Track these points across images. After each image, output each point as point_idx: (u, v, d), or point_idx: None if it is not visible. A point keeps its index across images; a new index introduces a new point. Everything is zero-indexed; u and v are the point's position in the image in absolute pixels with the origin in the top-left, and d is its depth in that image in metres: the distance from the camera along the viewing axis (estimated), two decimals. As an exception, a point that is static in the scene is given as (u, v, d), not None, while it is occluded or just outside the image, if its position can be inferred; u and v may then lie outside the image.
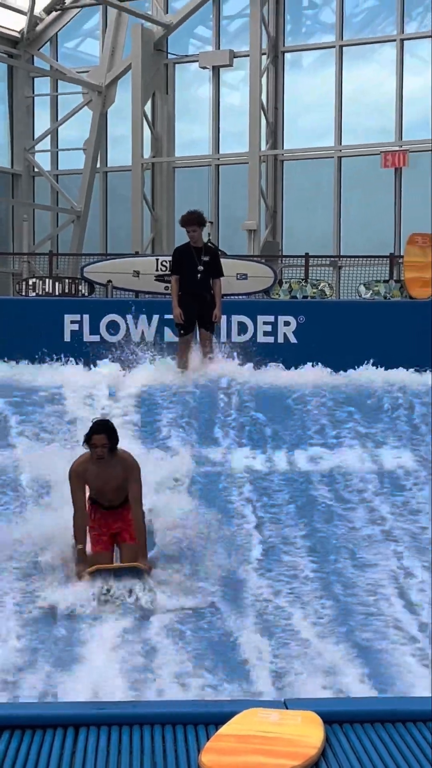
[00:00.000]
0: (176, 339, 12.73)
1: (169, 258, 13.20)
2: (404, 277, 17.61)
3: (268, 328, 14.07)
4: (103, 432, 7.75)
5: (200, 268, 12.19)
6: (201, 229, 12.32)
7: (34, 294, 17.83)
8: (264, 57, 23.12)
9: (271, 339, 13.99)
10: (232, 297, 15.50)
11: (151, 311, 14.00)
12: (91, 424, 7.92)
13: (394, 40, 22.53)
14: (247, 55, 22.89)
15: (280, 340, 13.99)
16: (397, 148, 22.00)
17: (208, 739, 4.44)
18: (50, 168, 25.99)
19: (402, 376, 12.46)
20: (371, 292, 17.64)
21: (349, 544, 8.65)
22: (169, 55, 24.58)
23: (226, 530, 8.67)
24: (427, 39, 22.25)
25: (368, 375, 12.53)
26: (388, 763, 4.30)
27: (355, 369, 12.73)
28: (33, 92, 26.22)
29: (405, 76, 22.38)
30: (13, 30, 25.17)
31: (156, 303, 14.53)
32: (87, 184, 24.93)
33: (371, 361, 12.87)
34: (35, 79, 26.26)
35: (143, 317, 13.98)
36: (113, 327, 13.95)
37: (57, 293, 17.77)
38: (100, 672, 6.51)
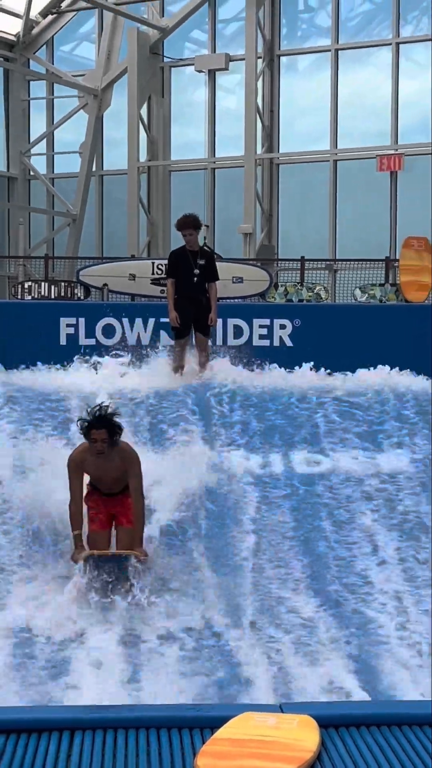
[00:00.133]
0: (172, 342, 12.73)
1: (165, 261, 13.20)
2: (400, 280, 17.60)
3: (264, 331, 14.08)
4: (103, 427, 7.65)
5: (196, 271, 12.19)
6: (197, 233, 12.32)
7: (29, 297, 17.81)
8: (260, 60, 23.14)
9: (266, 342, 14.00)
10: (228, 300, 15.51)
11: (147, 315, 14.01)
12: (89, 416, 7.75)
13: (390, 44, 22.55)
14: (243, 59, 22.91)
15: (276, 343, 14.01)
16: (392, 152, 22.02)
17: (203, 742, 4.43)
18: (46, 171, 25.99)
19: (398, 379, 12.47)
20: (367, 295, 17.63)
21: (345, 546, 8.65)
22: (164, 58, 24.60)
23: (223, 532, 8.67)
24: (423, 43, 22.28)
25: (364, 378, 12.53)
26: (383, 766, 4.30)
27: (350, 372, 12.73)
28: (29, 95, 26.23)
29: (401, 80, 22.40)
30: (9, 33, 25.18)
31: (152, 306, 14.54)
32: (83, 188, 24.93)
33: (367, 364, 12.88)
34: (31, 82, 26.26)
35: (139, 320, 13.98)
36: (109, 330, 13.96)
37: (53, 296, 17.74)
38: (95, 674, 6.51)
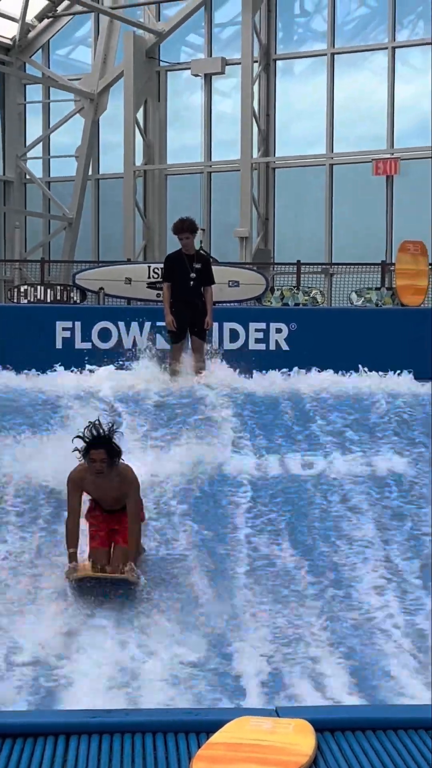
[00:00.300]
0: (168, 346, 12.74)
1: (161, 265, 13.20)
2: (396, 284, 17.60)
3: (260, 335, 14.09)
4: (102, 447, 7.62)
5: (192, 275, 12.20)
6: (193, 237, 12.32)
7: (25, 301, 17.80)
8: (256, 65, 23.16)
9: (262, 346, 14.01)
10: (224, 304, 15.51)
11: (143, 318, 14.01)
12: (89, 435, 7.72)
13: (386, 48, 22.58)
14: (239, 63, 22.92)
15: (272, 347, 14.01)
16: (388, 156, 22.05)
17: (199, 746, 4.43)
18: (42, 175, 26.00)
19: (394, 382, 12.48)
20: (363, 299, 17.63)
21: (341, 549, 8.65)
22: (161, 62, 24.62)
23: (220, 535, 8.67)
24: (419, 47, 22.32)
25: (360, 382, 12.54)
26: (379, 770, 4.31)
27: (347, 376, 12.73)
28: (25, 99, 26.24)
29: (396, 84, 22.43)
30: (4, 37, 25.19)
31: (148, 310, 14.54)
32: (79, 192, 24.94)
33: (363, 368, 12.88)
34: (27, 86, 26.27)
35: (135, 324, 13.98)
36: (105, 334, 13.96)
37: (49, 300, 17.73)
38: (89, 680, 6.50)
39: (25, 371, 12.68)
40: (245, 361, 12.66)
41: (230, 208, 23.27)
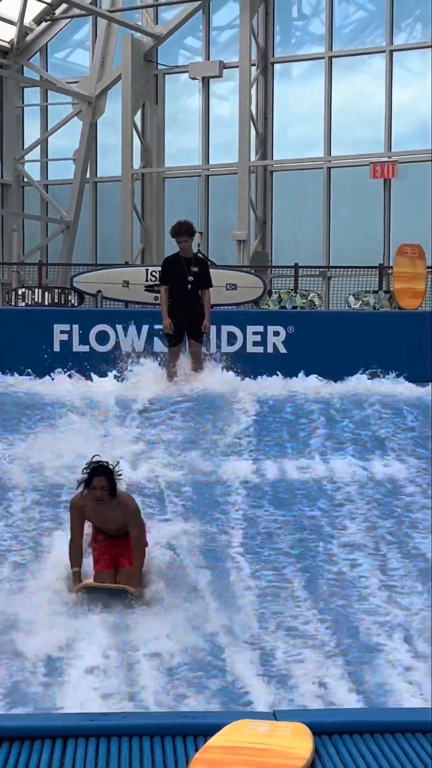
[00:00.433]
0: (166, 349, 12.74)
1: (159, 268, 13.21)
2: (393, 287, 17.62)
3: (258, 338, 14.10)
4: (102, 474, 7.75)
5: (190, 278, 12.22)
6: (191, 240, 12.34)
7: (23, 304, 17.81)
8: (253, 68, 23.17)
9: (260, 349, 14.02)
10: (222, 307, 15.52)
11: (140, 321, 14.02)
12: (89, 467, 7.86)
13: (384, 52, 22.59)
14: (237, 66, 22.94)
15: (270, 350, 14.02)
16: (386, 159, 22.06)
17: (196, 750, 4.42)
18: (40, 178, 26.00)
19: (391, 386, 12.50)
20: (360, 302, 17.65)
21: (340, 551, 8.65)
22: (158, 65, 24.62)
23: (218, 538, 8.67)
24: (417, 50, 22.34)
25: (358, 385, 12.55)
26: (377, 774, 4.30)
27: (344, 379, 12.75)
28: (23, 102, 26.24)
29: (394, 88, 22.44)
30: (2, 40, 25.20)
31: (146, 313, 14.55)
32: (77, 194, 24.94)
33: (361, 371, 12.90)
34: (25, 89, 26.27)
35: (133, 327, 13.99)
36: (103, 337, 13.97)
37: (46, 303, 17.74)
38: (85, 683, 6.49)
39: (23, 373, 12.71)
40: (242, 364, 12.68)
41: (228, 211, 23.28)
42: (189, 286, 12.22)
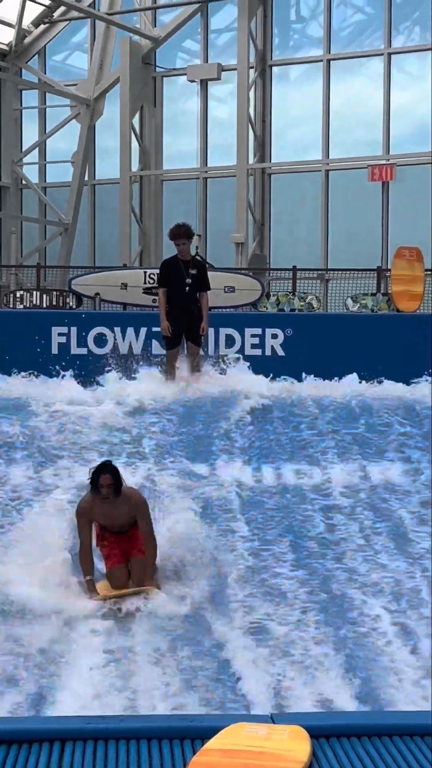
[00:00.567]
0: (164, 352, 12.74)
1: (157, 271, 13.21)
2: (391, 290, 17.62)
3: (256, 340, 14.10)
4: (108, 472, 7.84)
5: (188, 281, 12.21)
6: (189, 242, 12.34)
7: (21, 306, 17.80)
8: (252, 70, 23.17)
9: (258, 351, 14.02)
10: (220, 310, 15.52)
11: (138, 324, 14.02)
12: (95, 466, 7.99)
13: (382, 54, 22.59)
14: (235, 69, 22.94)
15: (268, 352, 14.03)
16: (384, 162, 22.07)
17: (194, 753, 4.42)
18: (38, 180, 25.99)
19: (389, 389, 12.49)
20: (358, 305, 17.65)
21: (338, 555, 8.65)
22: (157, 68, 24.62)
23: (216, 543, 8.67)
24: (415, 53, 22.35)
25: (355, 388, 12.54)
26: (374, 777, 4.31)
27: (342, 382, 12.74)
28: (21, 105, 26.24)
29: (392, 90, 22.44)
30: (1, 42, 25.21)
31: (144, 316, 14.55)
32: (75, 197, 24.93)
33: (359, 373, 12.89)
34: (23, 91, 26.27)
35: (131, 330, 13.99)
36: (101, 339, 13.97)
37: (44, 306, 17.73)
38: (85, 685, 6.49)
39: (21, 376, 12.70)
40: (240, 366, 12.68)
41: (226, 214, 23.28)
42: (187, 288, 12.22)
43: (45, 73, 25.66)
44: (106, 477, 7.81)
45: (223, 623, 7.45)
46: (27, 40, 25.42)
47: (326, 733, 4.64)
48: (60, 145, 25.59)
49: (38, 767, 4.36)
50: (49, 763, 4.40)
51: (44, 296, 18.06)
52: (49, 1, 24.30)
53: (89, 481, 7.92)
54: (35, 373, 12.89)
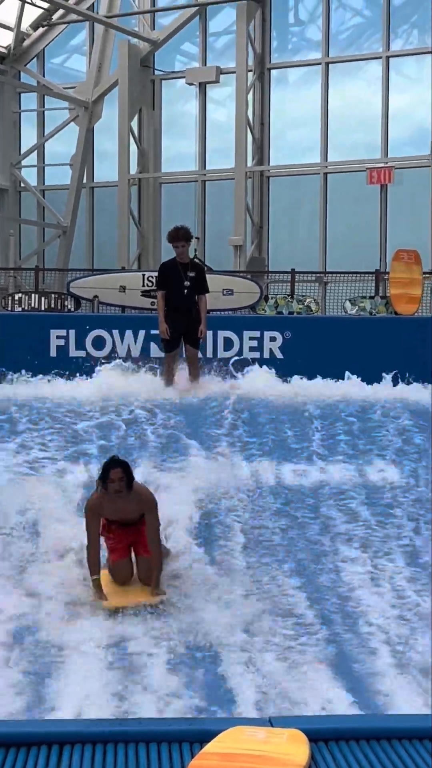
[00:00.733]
0: (162, 354, 12.73)
1: (156, 273, 13.21)
2: (390, 293, 17.64)
3: (254, 343, 14.11)
4: (119, 466, 7.80)
5: (186, 283, 12.20)
6: (188, 245, 12.33)
7: (20, 309, 17.81)
8: (250, 73, 23.20)
9: (257, 354, 14.02)
10: (218, 312, 15.53)
11: (137, 327, 14.02)
12: (105, 462, 7.97)
13: (380, 58, 22.62)
14: (234, 72, 22.97)
15: (266, 355, 14.03)
16: (382, 165, 22.08)
17: (193, 757, 4.42)
18: (37, 183, 26.01)
19: (387, 391, 12.48)
20: (357, 308, 17.67)
21: (336, 557, 8.64)
22: (155, 71, 24.65)
23: (217, 544, 8.67)
24: (413, 56, 22.38)
25: (354, 390, 12.54)
26: (373, 780, 4.30)
27: (340, 384, 12.74)
28: (20, 108, 26.25)
29: (390, 93, 22.47)
30: (0, 46, 25.24)
31: (142, 318, 14.55)
32: (73, 200, 24.95)
33: (357, 376, 12.89)
34: (22, 94, 26.30)
35: (129, 332, 13.99)
36: (99, 342, 13.97)
37: (43, 308, 17.75)
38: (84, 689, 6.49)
39: (19, 378, 12.69)
40: (239, 369, 12.68)
41: (224, 217, 23.30)
42: (185, 291, 12.21)
43: (44, 76, 25.69)
44: (116, 471, 7.75)
45: (222, 625, 7.44)
46: (26, 43, 25.45)
47: (325, 736, 4.64)
48: (58, 148, 25.61)
49: (37, 770, 4.36)
50: (48, 766, 4.40)
51: (43, 299, 18.08)
52: (48, 4, 24.32)
53: (99, 477, 7.87)
54: (33, 375, 12.87)
